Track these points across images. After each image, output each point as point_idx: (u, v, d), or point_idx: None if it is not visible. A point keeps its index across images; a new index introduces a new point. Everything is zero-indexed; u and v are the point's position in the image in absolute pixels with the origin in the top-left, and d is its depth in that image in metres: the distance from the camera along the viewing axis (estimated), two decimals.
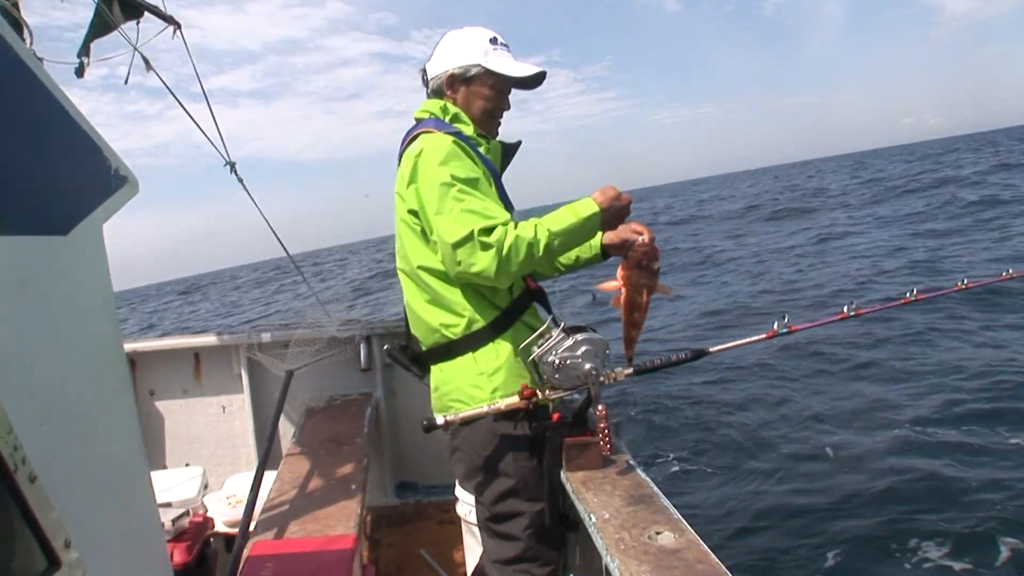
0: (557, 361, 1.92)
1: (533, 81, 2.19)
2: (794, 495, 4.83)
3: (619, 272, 2.00)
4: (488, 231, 1.84)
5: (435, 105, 2.15)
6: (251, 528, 2.36)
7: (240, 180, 3.49)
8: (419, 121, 2.15)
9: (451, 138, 2.00)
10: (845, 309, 2.20)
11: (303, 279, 4.23)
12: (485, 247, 1.84)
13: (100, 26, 3.21)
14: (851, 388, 6.78)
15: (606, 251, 2.23)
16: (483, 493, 2.07)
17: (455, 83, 2.15)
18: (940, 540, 4.05)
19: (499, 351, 2.03)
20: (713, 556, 1.55)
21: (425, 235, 2.02)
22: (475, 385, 2.04)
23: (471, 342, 2.04)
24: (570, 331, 1.96)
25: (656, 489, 1.92)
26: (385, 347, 3.38)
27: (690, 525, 1.72)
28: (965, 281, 2.47)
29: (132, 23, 3.29)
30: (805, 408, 6.38)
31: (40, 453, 0.93)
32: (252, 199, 3.48)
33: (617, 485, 1.95)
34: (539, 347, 1.94)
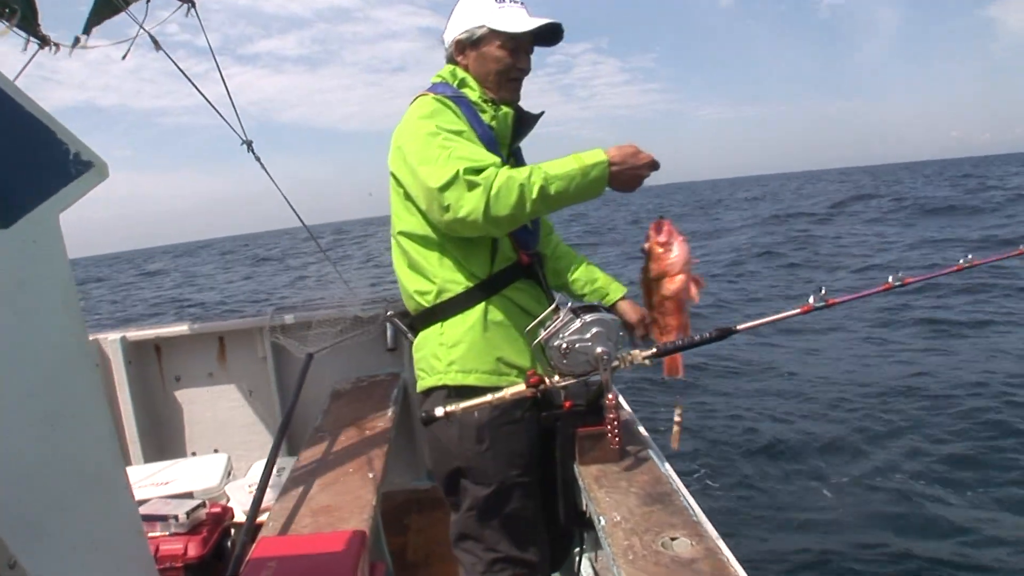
0: (564, 345, 1.83)
1: (550, 36, 2.07)
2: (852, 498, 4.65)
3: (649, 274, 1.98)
4: (476, 171, 1.77)
5: (446, 70, 2.11)
6: (262, 520, 2.34)
7: (258, 159, 3.44)
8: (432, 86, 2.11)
9: (441, 98, 1.96)
10: (891, 279, 2.03)
11: (326, 258, 4.20)
12: (472, 186, 1.76)
13: (105, 5, 3.18)
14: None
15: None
16: (435, 468, 2.12)
17: (464, 48, 2.08)
18: None
19: (465, 323, 1.98)
20: (734, 566, 1.42)
21: (407, 198, 1.99)
22: (435, 355, 2.02)
23: (442, 311, 2.01)
24: (579, 311, 1.86)
25: (678, 485, 1.80)
26: (388, 312, 3.36)
27: (715, 527, 1.61)
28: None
29: (141, 2, 3.26)
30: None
31: None
32: (270, 177, 3.43)
33: (634, 481, 1.84)
34: (545, 329, 1.85)
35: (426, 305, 2.03)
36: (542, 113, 2.19)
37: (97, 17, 3.24)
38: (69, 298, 1.15)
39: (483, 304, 1.97)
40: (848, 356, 7.46)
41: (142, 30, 3.16)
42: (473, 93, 2.05)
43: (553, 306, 1.91)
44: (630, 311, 2.26)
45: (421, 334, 2.09)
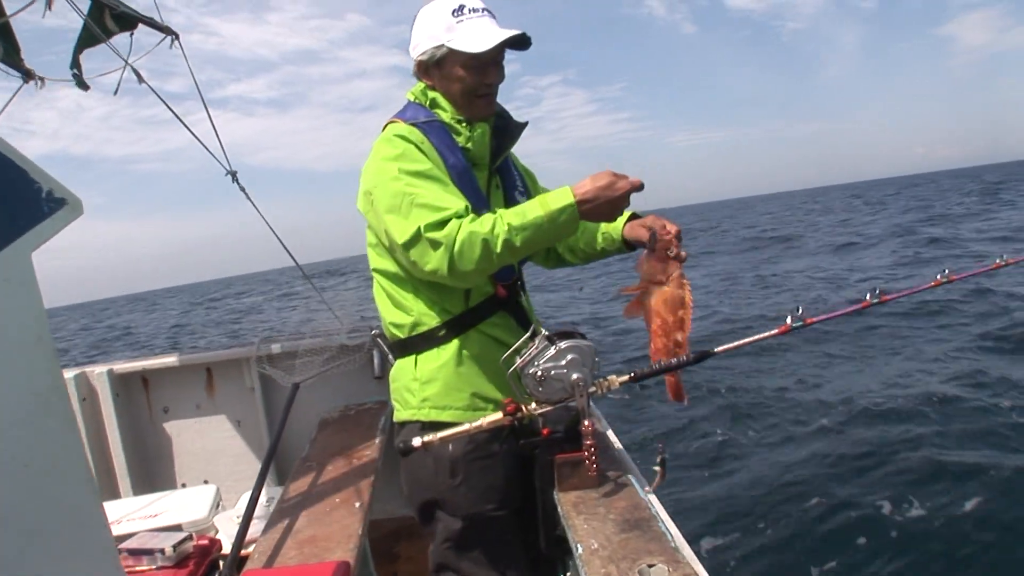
0: (540, 373, 1.84)
1: (517, 44, 1.99)
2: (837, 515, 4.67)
3: (646, 267, 1.92)
4: (438, 226, 1.75)
5: (418, 88, 2.07)
6: (247, 552, 2.36)
7: (242, 189, 3.48)
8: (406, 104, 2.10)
9: (404, 129, 1.93)
10: (868, 296, 2.05)
11: (312, 285, 4.24)
12: (434, 244, 1.75)
13: (88, 38, 3.24)
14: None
15: (628, 242, 2.12)
16: (409, 499, 2.11)
17: (428, 70, 2.03)
18: None
19: (439, 359, 1.98)
20: None
21: (379, 240, 2.00)
22: (408, 389, 2.02)
23: (416, 344, 2.01)
24: (554, 338, 1.87)
25: (657, 511, 1.80)
26: (373, 331, 3.39)
27: (695, 552, 1.62)
28: (1005, 257, 2.33)
29: (125, 35, 3.32)
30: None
31: None
32: (255, 207, 3.47)
33: (612, 507, 1.84)
34: (520, 358, 1.86)
35: (401, 337, 2.04)
36: (526, 123, 2.13)
37: (81, 49, 3.30)
38: (43, 336, 1.18)
39: (457, 340, 1.98)
40: (835, 374, 7.48)
41: (126, 64, 3.21)
42: (445, 114, 2.01)
43: (528, 334, 1.90)
44: (636, 225, 2.12)
45: (396, 364, 2.09)
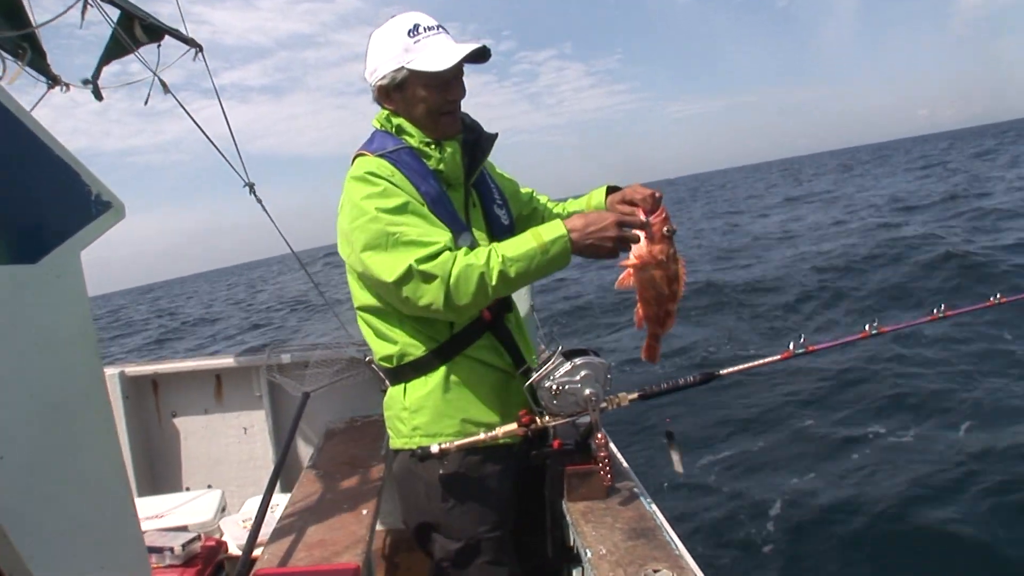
0: (555, 387, 1.92)
1: (477, 57, 1.97)
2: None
3: (644, 249, 1.90)
4: (429, 259, 1.76)
5: (381, 116, 2.06)
6: (257, 554, 2.44)
7: (259, 201, 3.57)
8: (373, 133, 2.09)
9: (374, 164, 1.92)
10: (867, 327, 2.17)
11: (325, 303, 4.33)
12: (428, 278, 1.76)
13: (115, 49, 3.34)
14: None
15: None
16: (406, 520, 2.16)
17: (389, 94, 2.00)
18: None
19: (426, 387, 2.00)
20: None
21: (362, 277, 2.00)
22: (399, 418, 2.05)
23: (405, 373, 2.03)
24: (569, 355, 1.96)
25: (662, 521, 1.90)
26: (367, 358, 3.48)
27: (696, 560, 1.72)
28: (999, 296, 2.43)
29: (152, 45, 3.43)
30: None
31: (14, 488, 1.00)
32: (271, 219, 3.56)
33: (619, 517, 1.94)
34: (536, 372, 1.95)
35: (389, 367, 2.06)
36: (495, 135, 2.14)
37: (107, 59, 3.40)
38: (87, 331, 1.27)
39: (444, 367, 1.99)
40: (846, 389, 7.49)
41: (154, 76, 3.32)
42: (413, 139, 1.99)
43: (546, 351, 1.98)
44: (616, 204, 2.06)
45: (388, 393, 2.12)
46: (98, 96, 3.39)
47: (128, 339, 27.77)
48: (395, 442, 2.08)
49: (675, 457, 2.08)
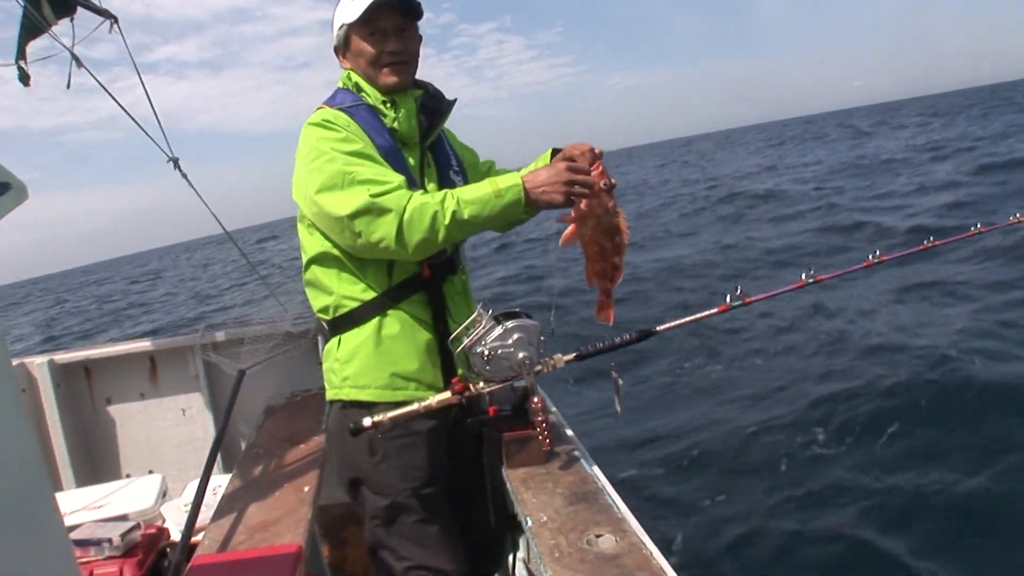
0: (487, 352, 1.91)
1: (406, 12, 2.06)
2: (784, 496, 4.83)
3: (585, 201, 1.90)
4: (385, 194, 1.81)
5: (343, 74, 2.15)
6: (198, 539, 2.41)
7: (184, 176, 3.48)
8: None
9: (330, 114, 1.99)
10: (803, 276, 2.18)
11: (257, 275, 4.26)
12: (382, 211, 1.80)
13: (31, 27, 3.20)
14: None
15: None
16: (338, 476, 2.20)
17: (343, 53, 2.14)
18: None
19: (358, 338, 2.03)
20: (658, 559, 1.52)
21: (311, 226, 2.05)
22: (332, 369, 2.09)
23: (339, 325, 2.06)
24: (500, 318, 1.95)
25: (603, 484, 1.90)
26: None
27: (640, 523, 1.71)
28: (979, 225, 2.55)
29: (66, 20, 3.28)
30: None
31: None
32: (198, 194, 3.49)
33: (560, 482, 1.93)
34: (468, 337, 1.93)
35: (327, 319, 2.09)
36: (454, 100, 2.19)
37: (27, 38, 3.25)
38: None
39: (377, 318, 2.02)
40: (779, 348, 7.66)
41: (68, 51, 3.18)
42: (369, 97, 2.08)
43: (475, 313, 1.97)
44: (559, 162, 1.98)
45: (327, 345, 2.14)
46: (24, 80, 3.25)
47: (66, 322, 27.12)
48: (329, 393, 2.12)
49: (617, 398, 2.08)
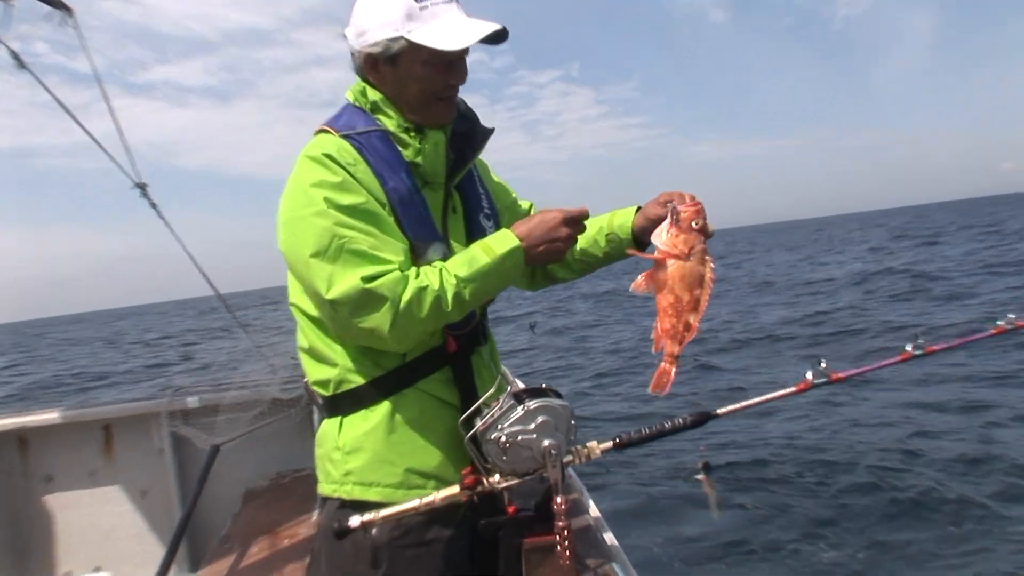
0: (504, 438, 1.70)
1: (491, 39, 1.81)
2: None
3: (666, 237, 1.77)
4: (378, 278, 1.65)
5: (356, 88, 1.90)
6: None
7: (153, 205, 3.32)
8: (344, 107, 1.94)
9: (333, 146, 1.76)
10: (909, 348, 1.93)
11: (239, 325, 3.95)
12: (376, 299, 1.64)
13: None
14: None
15: (638, 236, 1.96)
16: None
17: (377, 65, 1.83)
18: None
19: (366, 424, 1.82)
20: None
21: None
22: (330, 459, 1.87)
23: (341, 404, 1.85)
24: (521, 396, 1.74)
25: None
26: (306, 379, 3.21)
27: None
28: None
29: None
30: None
31: None
32: (169, 227, 3.31)
33: None
34: (481, 420, 1.72)
35: (326, 394, 1.88)
36: (491, 130, 1.98)
37: None
38: None
39: (391, 400, 1.82)
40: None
41: (3, 44, 2.96)
42: (390, 121, 1.85)
43: (493, 389, 1.79)
44: (652, 208, 1.94)
45: (323, 425, 1.93)
46: None
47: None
48: (323, 487, 1.89)
49: (712, 498, 1.83)
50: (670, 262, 1.78)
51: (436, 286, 1.67)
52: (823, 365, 1.84)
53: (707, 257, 1.79)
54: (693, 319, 1.79)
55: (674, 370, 1.82)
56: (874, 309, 16.60)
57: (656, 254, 1.79)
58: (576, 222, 1.79)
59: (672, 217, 1.80)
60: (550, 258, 1.79)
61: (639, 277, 1.81)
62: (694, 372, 10.62)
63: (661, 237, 1.79)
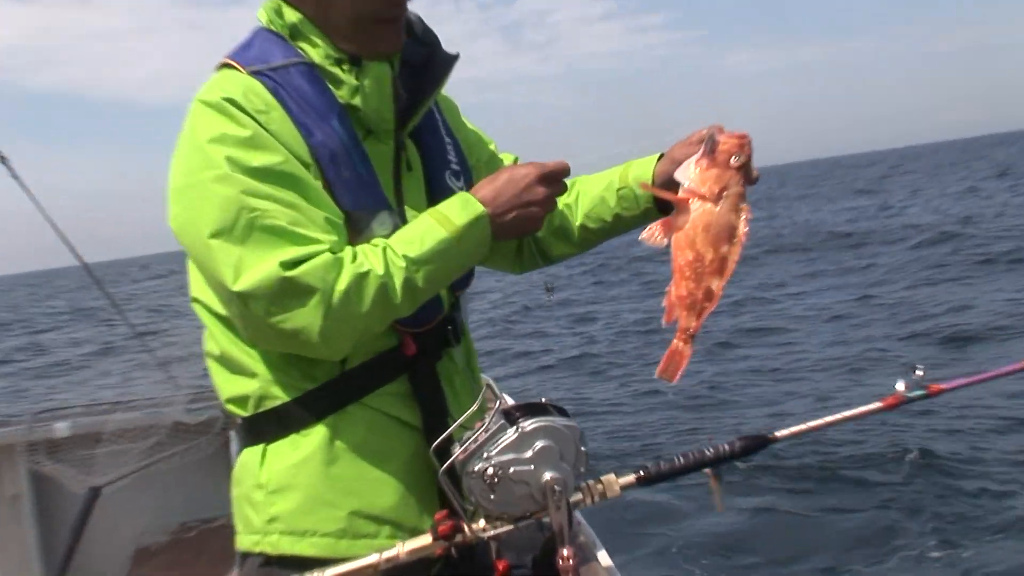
0: (491, 470, 1.39)
1: None
2: None
3: (694, 170, 1.56)
4: (302, 263, 1.38)
5: (270, 5, 1.61)
6: None
7: (16, 176, 2.99)
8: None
9: (239, 87, 1.48)
10: None
11: (127, 324, 3.51)
12: (300, 293, 1.38)
13: None
14: None
15: (660, 199, 1.70)
16: None
17: None
18: None
19: (297, 453, 1.54)
20: None
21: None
22: (250, 500, 1.58)
23: (263, 428, 1.58)
24: (513, 414, 1.45)
25: None
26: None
27: None
28: None
29: None
30: None
31: None
32: (27, 191, 2.93)
33: None
34: (460, 446, 1.43)
35: (243, 415, 1.61)
36: (456, 56, 1.72)
37: None
38: None
39: (326, 423, 1.55)
40: None
41: None
42: (316, 51, 1.57)
43: (475, 406, 1.53)
44: (680, 150, 1.69)
45: (241, 456, 1.64)
46: None
47: None
48: (242, 539, 1.61)
49: (716, 495, 1.69)
50: (694, 205, 1.56)
51: (380, 271, 1.43)
52: (919, 373, 1.61)
53: (743, 205, 1.57)
54: (716, 285, 1.59)
55: (689, 350, 1.60)
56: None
57: (680, 193, 1.59)
58: (555, 179, 1.54)
59: (706, 146, 1.57)
60: (523, 227, 1.55)
61: (654, 223, 1.60)
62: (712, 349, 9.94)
63: (688, 171, 1.58)
